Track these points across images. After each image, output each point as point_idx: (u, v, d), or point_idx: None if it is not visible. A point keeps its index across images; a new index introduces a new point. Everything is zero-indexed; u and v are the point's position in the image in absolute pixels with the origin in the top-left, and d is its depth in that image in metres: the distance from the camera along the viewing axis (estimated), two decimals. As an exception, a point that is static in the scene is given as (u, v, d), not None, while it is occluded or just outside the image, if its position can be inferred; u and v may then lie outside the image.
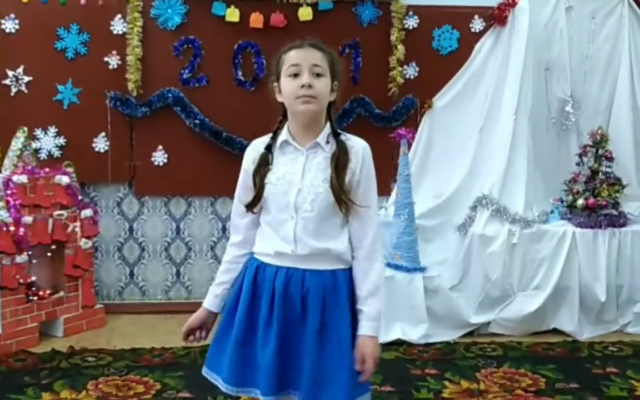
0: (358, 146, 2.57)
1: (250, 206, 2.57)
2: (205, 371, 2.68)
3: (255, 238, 2.63)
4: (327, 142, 2.55)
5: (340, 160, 2.50)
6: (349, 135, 2.60)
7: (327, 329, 2.50)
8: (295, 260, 2.51)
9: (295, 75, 2.49)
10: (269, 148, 2.58)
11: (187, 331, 2.72)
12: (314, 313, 2.50)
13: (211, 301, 2.72)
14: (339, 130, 2.59)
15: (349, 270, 2.58)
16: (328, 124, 2.58)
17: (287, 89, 2.51)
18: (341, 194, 2.48)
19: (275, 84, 2.59)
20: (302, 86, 2.46)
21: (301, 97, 2.46)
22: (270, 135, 2.62)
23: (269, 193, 2.52)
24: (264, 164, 2.55)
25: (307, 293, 2.50)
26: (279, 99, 2.59)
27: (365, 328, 2.54)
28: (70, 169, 5.19)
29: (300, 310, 2.51)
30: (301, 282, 2.51)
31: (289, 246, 2.50)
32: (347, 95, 5.52)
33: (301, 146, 2.54)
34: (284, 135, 2.57)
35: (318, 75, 2.49)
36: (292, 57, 2.52)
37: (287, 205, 2.50)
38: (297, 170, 2.52)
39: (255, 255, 2.61)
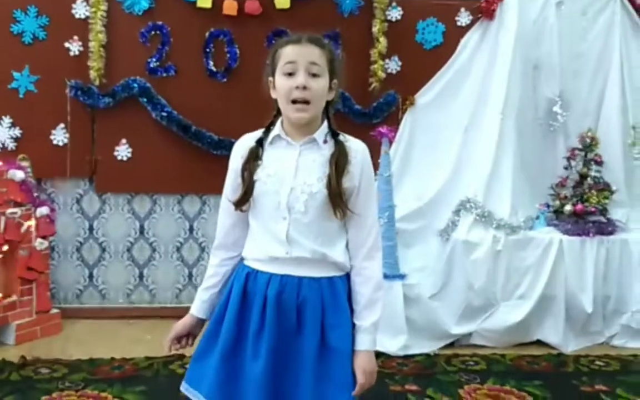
0: (358, 149, 2.45)
1: (238, 204, 2.44)
2: (184, 387, 2.51)
3: (244, 240, 2.52)
4: (325, 142, 2.43)
5: (339, 162, 2.39)
6: (347, 136, 2.48)
7: (328, 340, 2.39)
8: (290, 266, 2.39)
9: (291, 73, 2.36)
10: (260, 142, 2.46)
11: (172, 339, 2.59)
12: (313, 324, 2.38)
13: (198, 307, 2.59)
14: (337, 131, 2.47)
15: (347, 276, 2.47)
16: (325, 123, 2.46)
17: (281, 88, 2.38)
18: (338, 197, 2.36)
19: (270, 79, 2.45)
20: (297, 87, 2.34)
21: (295, 101, 2.35)
22: (261, 130, 2.49)
23: (259, 191, 2.40)
24: (252, 158, 2.43)
25: (304, 302, 2.38)
26: (273, 95, 2.44)
27: (362, 342, 2.43)
28: (25, 163, 5.01)
29: (296, 320, 2.38)
30: (297, 290, 2.38)
31: (283, 248, 2.38)
32: (325, 90, 5.30)
33: (294, 141, 2.42)
34: (276, 130, 2.44)
35: (315, 75, 2.36)
36: (288, 53, 2.39)
37: (279, 205, 2.38)
38: (289, 167, 2.39)
39: (245, 262, 2.49)
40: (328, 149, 2.41)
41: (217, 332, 2.44)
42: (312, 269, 2.38)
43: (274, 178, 2.38)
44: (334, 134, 2.44)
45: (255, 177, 2.39)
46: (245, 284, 2.43)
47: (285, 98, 2.36)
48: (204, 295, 2.58)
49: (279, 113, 2.45)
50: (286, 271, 2.38)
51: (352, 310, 2.45)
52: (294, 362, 2.37)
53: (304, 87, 2.33)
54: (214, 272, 2.58)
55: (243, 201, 2.42)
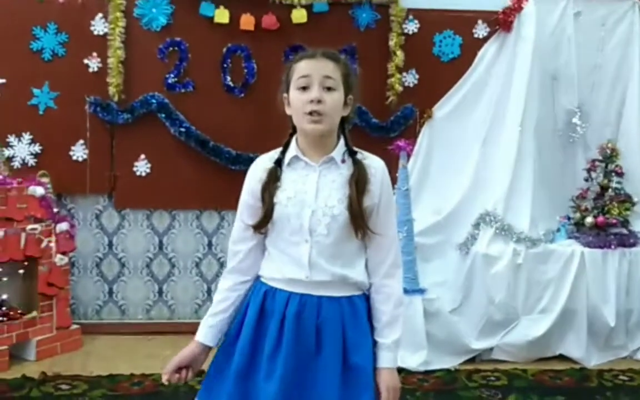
0: (377, 167, 2.40)
1: (258, 227, 2.37)
2: None
3: (258, 264, 2.44)
4: (343, 161, 2.38)
5: (360, 182, 2.33)
6: (365, 153, 2.43)
7: (350, 359, 2.33)
8: (310, 287, 2.33)
9: (305, 88, 2.32)
10: (278, 163, 2.39)
11: (172, 370, 2.41)
12: (333, 344, 2.32)
13: (205, 333, 2.44)
14: (354, 149, 2.41)
15: (364, 295, 2.42)
16: (342, 141, 2.40)
17: (295, 102, 2.34)
18: (359, 218, 2.31)
19: (285, 95, 2.40)
20: (311, 101, 2.29)
21: (309, 113, 2.29)
22: (278, 150, 2.43)
23: (278, 215, 2.34)
24: (272, 179, 2.36)
25: (324, 322, 2.32)
26: (288, 111, 2.39)
27: (384, 360, 2.39)
28: (45, 179, 5.01)
29: (315, 341, 2.32)
30: (316, 309, 2.33)
31: (303, 272, 2.33)
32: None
33: (313, 161, 2.36)
34: (293, 150, 2.38)
35: (329, 88, 2.32)
36: (302, 67, 2.35)
37: (300, 228, 2.32)
38: (310, 189, 2.34)
39: (262, 280, 2.42)
40: (347, 169, 2.36)
41: (232, 350, 2.37)
42: (332, 289, 2.33)
43: (294, 200, 2.32)
44: (351, 152, 2.39)
45: (275, 200, 2.33)
46: (263, 302, 2.36)
47: (299, 112, 2.31)
48: (212, 320, 2.44)
49: (294, 131, 2.40)
50: (305, 291, 2.33)
51: (371, 328, 2.41)
52: (312, 383, 2.29)
53: (318, 101, 2.28)
54: (225, 296, 2.46)
55: (263, 224, 2.35)
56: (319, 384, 2.29)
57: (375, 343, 2.39)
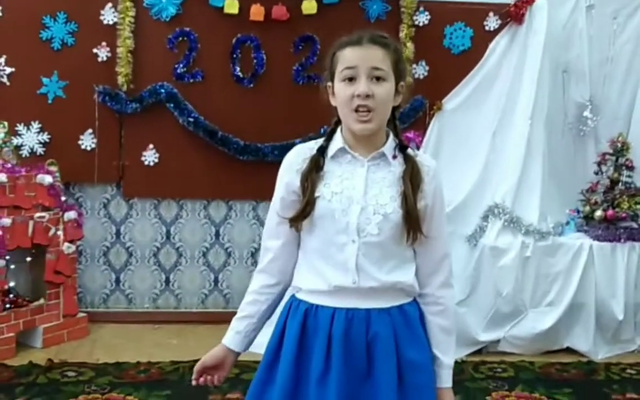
0: (430, 166, 2.18)
1: (296, 220, 2.14)
2: None
3: (290, 269, 2.24)
4: (394, 157, 2.16)
5: (414, 179, 2.11)
6: (417, 151, 2.23)
7: (407, 377, 2.11)
8: (357, 297, 2.10)
9: (351, 79, 2.09)
10: (322, 151, 2.18)
11: (199, 371, 2.26)
12: (387, 362, 2.09)
13: (232, 338, 2.26)
14: (405, 144, 2.19)
15: (415, 302, 2.20)
16: (392, 135, 2.18)
17: (341, 96, 2.11)
18: (414, 218, 2.09)
19: (329, 84, 2.17)
20: (358, 95, 2.07)
21: (356, 110, 2.08)
22: (318, 140, 2.22)
23: (321, 211, 2.11)
24: (315, 169, 2.14)
25: (375, 339, 2.09)
26: (333, 102, 2.17)
27: (445, 378, 2.21)
28: (53, 168, 5.01)
29: (365, 360, 2.09)
30: (365, 324, 2.10)
31: (349, 277, 2.09)
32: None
33: (361, 156, 2.15)
34: (339, 141, 2.17)
35: (379, 79, 2.08)
36: (348, 57, 2.11)
37: (347, 227, 2.09)
38: (358, 185, 2.11)
39: (298, 295, 2.20)
40: (398, 165, 2.14)
41: (271, 378, 2.16)
42: (380, 299, 2.11)
43: (340, 196, 2.10)
44: (401, 148, 2.17)
45: (317, 193, 2.11)
46: (304, 322, 2.14)
47: (345, 107, 2.10)
48: (239, 325, 2.26)
49: (339, 121, 2.19)
50: (352, 304, 2.10)
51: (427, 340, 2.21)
52: None
53: (367, 95, 2.06)
54: (253, 299, 2.27)
55: (302, 217, 2.13)
56: None
57: (433, 358, 2.20)
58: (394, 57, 2.12)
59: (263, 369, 2.20)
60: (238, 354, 2.28)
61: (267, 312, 2.28)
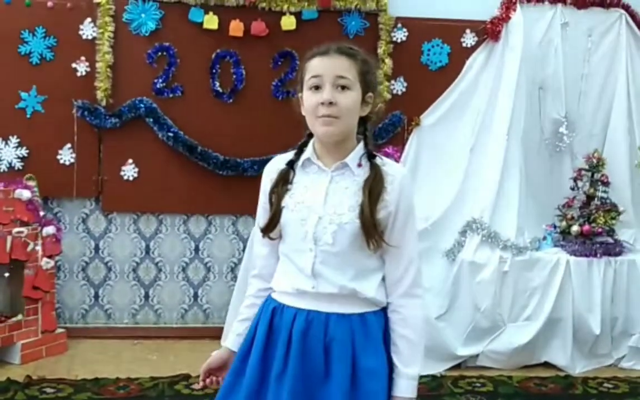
0: (396, 174, 2.20)
1: (265, 230, 2.25)
2: None
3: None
4: (359, 165, 2.19)
5: (374, 188, 2.14)
6: (386, 160, 2.24)
7: (361, 385, 2.13)
8: (317, 301, 2.17)
9: (317, 87, 2.15)
10: (291, 164, 2.25)
11: (205, 372, 2.36)
12: (342, 367, 2.13)
13: (234, 341, 2.36)
14: (374, 153, 2.22)
15: (382, 311, 2.22)
16: (361, 144, 2.22)
17: (307, 104, 2.18)
18: (371, 228, 2.12)
19: (300, 95, 2.24)
20: (322, 103, 2.13)
21: (321, 116, 2.14)
22: (293, 151, 2.29)
23: (286, 220, 2.20)
24: (282, 182, 2.23)
25: (332, 343, 2.15)
26: (303, 112, 2.23)
27: (403, 388, 2.19)
28: (32, 183, 4.98)
29: (323, 363, 2.14)
30: (324, 328, 2.15)
31: (309, 282, 2.17)
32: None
33: (326, 166, 2.20)
34: (308, 152, 2.24)
35: (344, 87, 2.14)
36: (315, 66, 2.17)
37: (305, 236, 2.16)
38: (319, 195, 2.18)
39: (272, 295, 2.29)
40: (362, 174, 2.18)
41: (243, 368, 2.24)
42: (341, 305, 2.16)
43: (301, 206, 2.18)
44: (370, 156, 2.20)
45: (283, 204, 2.20)
46: (271, 319, 2.23)
47: (312, 114, 2.16)
48: (240, 327, 2.36)
49: (312, 133, 2.25)
50: (313, 306, 2.17)
51: (388, 351, 2.21)
52: None
53: (330, 103, 2.11)
54: (251, 302, 2.37)
55: (269, 228, 2.23)
56: None
57: (392, 368, 2.20)
58: (361, 67, 2.18)
59: (238, 359, 2.29)
60: None
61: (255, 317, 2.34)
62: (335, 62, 2.15)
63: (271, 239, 2.26)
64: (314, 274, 2.16)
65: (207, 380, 2.37)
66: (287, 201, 2.20)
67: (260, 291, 2.36)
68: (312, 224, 2.15)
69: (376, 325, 2.19)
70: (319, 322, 2.15)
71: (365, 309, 2.18)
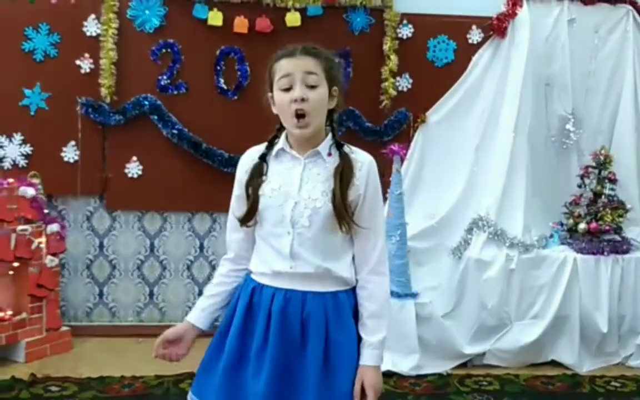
0: (363, 161, 2.40)
1: (243, 220, 2.40)
2: (190, 397, 2.47)
3: (252, 254, 2.48)
4: (329, 154, 2.39)
5: (344, 175, 2.34)
6: (353, 148, 2.43)
7: (332, 357, 2.34)
8: (294, 281, 2.35)
9: (288, 89, 2.32)
10: (263, 157, 2.42)
11: (159, 343, 2.44)
12: (316, 340, 2.32)
13: (197, 316, 2.48)
14: (342, 142, 2.43)
15: (352, 290, 2.42)
16: (330, 135, 2.42)
17: (280, 103, 2.35)
18: (343, 211, 2.32)
19: (270, 94, 2.41)
20: (295, 100, 2.30)
21: (295, 116, 2.30)
22: (265, 143, 2.46)
23: (264, 206, 2.36)
24: (257, 174, 2.40)
25: (308, 317, 2.33)
26: (274, 110, 2.40)
27: (367, 357, 2.37)
28: (36, 180, 4.95)
29: (300, 336, 2.33)
30: (301, 305, 2.34)
31: (287, 263, 2.34)
32: (336, 107, 5.28)
33: (299, 154, 2.38)
34: (281, 143, 2.41)
35: (312, 86, 2.32)
36: (283, 66, 2.35)
37: (283, 219, 2.34)
38: (294, 181, 2.36)
39: (251, 275, 2.44)
40: (333, 162, 2.37)
41: (222, 344, 2.39)
42: (316, 284, 2.34)
43: (278, 192, 2.34)
44: (338, 146, 2.40)
45: (260, 192, 2.36)
46: (250, 298, 2.38)
47: (285, 112, 2.32)
48: (204, 303, 2.50)
49: (282, 127, 2.41)
50: (290, 286, 2.34)
51: (357, 326, 2.40)
52: (297, 379, 2.31)
53: (302, 99, 2.28)
54: (219, 281, 2.52)
55: (248, 218, 2.39)
56: (302, 380, 2.31)
57: (360, 340, 2.38)
58: (325, 64, 2.36)
59: (218, 335, 2.44)
60: (199, 331, 2.47)
61: (232, 294, 2.49)
62: (302, 62, 2.33)
63: (248, 227, 2.42)
64: (292, 255, 2.33)
65: (160, 351, 2.44)
66: (264, 189, 2.36)
67: (230, 271, 2.50)
68: (289, 209, 2.33)
69: (347, 303, 2.38)
70: (296, 300, 2.33)
71: (337, 288, 2.37)
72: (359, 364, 2.35)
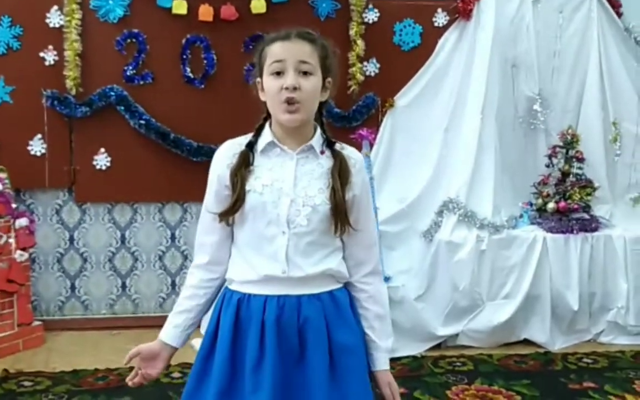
0: (357, 158, 2.26)
1: (227, 214, 2.17)
2: None
3: (227, 261, 2.27)
4: (322, 152, 2.22)
5: (342, 174, 2.18)
6: (342, 144, 2.28)
7: (337, 361, 2.17)
8: (287, 285, 2.16)
9: (279, 73, 2.14)
10: (250, 146, 2.22)
11: (131, 355, 2.27)
12: (318, 346, 2.15)
13: (170, 333, 2.27)
14: (332, 139, 2.26)
15: (345, 287, 2.27)
16: (319, 130, 2.24)
17: (269, 90, 2.16)
18: (342, 211, 2.16)
19: (259, 80, 2.23)
20: (286, 88, 2.12)
21: (285, 102, 2.12)
22: (247, 136, 2.25)
23: (253, 203, 2.15)
24: (244, 164, 2.18)
25: (305, 323, 2.15)
26: (262, 97, 2.22)
27: (383, 361, 2.30)
28: (3, 175, 4.90)
29: (298, 345, 2.15)
30: (297, 310, 2.15)
31: (279, 266, 2.15)
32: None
33: (289, 149, 2.20)
34: (268, 135, 2.21)
35: (306, 73, 2.14)
36: (276, 51, 2.16)
37: (277, 218, 2.14)
38: (287, 177, 2.17)
39: (231, 286, 2.23)
40: (326, 160, 2.20)
41: (207, 369, 2.19)
42: (311, 286, 2.17)
43: (270, 189, 2.15)
44: (329, 143, 2.23)
45: (248, 187, 2.16)
46: (237, 311, 2.17)
47: (274, 100, 2.14)
48: (177, 319, 2.28)
49: (268, 116, 2.23)
50: (283, 291, 2.15)
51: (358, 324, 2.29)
52: (301, 391, 2.13)
53: (294, 88, 2.11)
54: (191, 293, 2.28)
55: (231, 211, 2.16)
56: (307, 391, 2.13)
57: (370, 342, 2.28)
58: (321, 52, 2.18)
59: (199, 360, 2.22)
60: (174, 349, 2.28)
61: (205, 306, 2.31)
62: (297, 47, 2.15)
63: (228, 224, 2.21)
64: (287, 258, 2.15)
65: (136, 379, 2.29)
66: (253, 184, 2.17)
67: (204, 282, 2.29)
68: (285, 206, 2.14)
69: (344, 301, 2.24)
70: (290, 306, 2.15)
71: (332, 286, 2.22)
72: (369, 366, 2.27)
